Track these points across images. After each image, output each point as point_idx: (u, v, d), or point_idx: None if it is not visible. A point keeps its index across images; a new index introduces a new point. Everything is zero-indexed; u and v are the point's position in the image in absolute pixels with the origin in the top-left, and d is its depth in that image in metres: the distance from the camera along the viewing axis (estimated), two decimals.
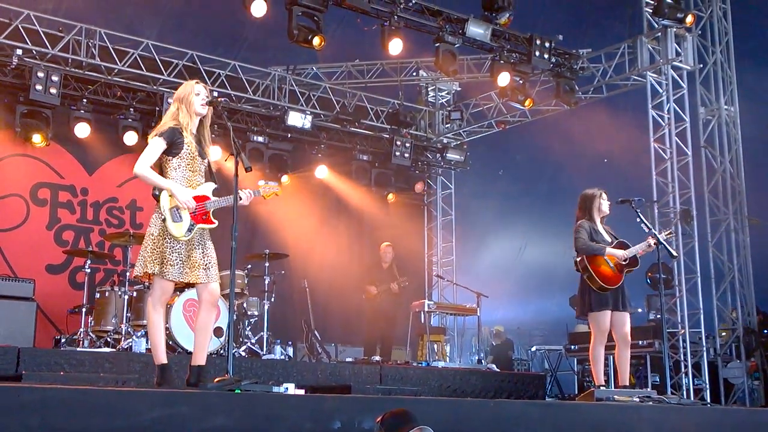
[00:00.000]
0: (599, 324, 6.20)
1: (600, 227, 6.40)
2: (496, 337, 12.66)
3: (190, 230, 4.53)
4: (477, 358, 9.87)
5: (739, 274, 9.96)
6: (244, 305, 8.12)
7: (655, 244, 6.18)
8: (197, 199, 4.57)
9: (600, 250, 6.22)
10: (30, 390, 3.22)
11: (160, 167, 4.60)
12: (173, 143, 4.56)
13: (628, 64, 10.12)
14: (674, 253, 6.59)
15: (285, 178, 10.99)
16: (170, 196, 4.53)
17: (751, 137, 10.43)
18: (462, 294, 11.22)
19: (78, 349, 7.03)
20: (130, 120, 9.61)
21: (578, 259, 6.28)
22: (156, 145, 4.54)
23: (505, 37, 9.65)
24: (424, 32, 9.25)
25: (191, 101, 4.62)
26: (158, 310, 4.57)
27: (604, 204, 6.38)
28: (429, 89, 12.66)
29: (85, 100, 9.39)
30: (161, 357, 4.60)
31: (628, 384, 6.32)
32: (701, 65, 10.12)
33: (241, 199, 4.63)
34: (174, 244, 4.51)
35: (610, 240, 6.34)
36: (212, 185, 4.67)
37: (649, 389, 7.25)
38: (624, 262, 6.23)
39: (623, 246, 6.30)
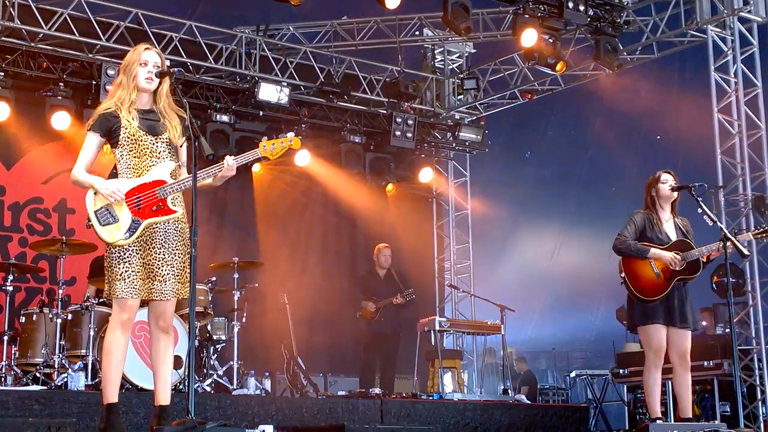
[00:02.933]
0: (650, 341, 6.21)
1: (666, 220, 6.32)
2: (520, 362, 12.68)
3: (132, 231, 4.49)
4: (502, 387, 9.90)
5: None
6: (209, 328, 8.12)
7: (723, 244, 6.03)
8: (146, 186, 4.54)
9: (641, 252, 6.17)
10: None
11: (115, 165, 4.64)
12: (110, 131, 4.59)
13: (684, 16, 10.11)
14: (745, 252, 6.40)
15: (257, 167, 11.01)
16: (95, 193, 4.55)
17: None
18: (482, 308, 11.25)
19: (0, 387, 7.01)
20: (59, 97, 9.56)
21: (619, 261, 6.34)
22: (89, 141, 4.62)
23: None
24: None
25: (134, 72, 4.61)
26: (116, 335, 4.55)
27: (664, 188, 6.30)
28: (436, 52, 12.68)
29: (2, 74, 9.35)
30: (110, 395, 4.59)
31: (691, 416, 6.34)
32: None
33: (223, 168, 4.57)
34: (122, 252, 4.50)
35: (675, 236, 6.26)
36: (171, 164, 4.63)
37: (717, 422, 7.30)
38: (677, 269, 6.15)
39: (684, 247, 6.21)
